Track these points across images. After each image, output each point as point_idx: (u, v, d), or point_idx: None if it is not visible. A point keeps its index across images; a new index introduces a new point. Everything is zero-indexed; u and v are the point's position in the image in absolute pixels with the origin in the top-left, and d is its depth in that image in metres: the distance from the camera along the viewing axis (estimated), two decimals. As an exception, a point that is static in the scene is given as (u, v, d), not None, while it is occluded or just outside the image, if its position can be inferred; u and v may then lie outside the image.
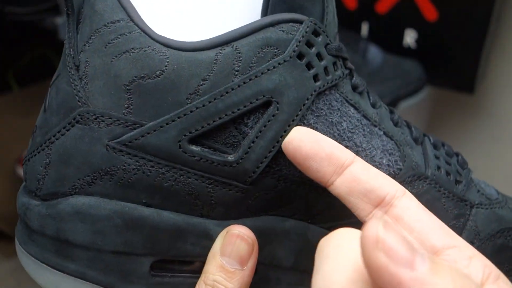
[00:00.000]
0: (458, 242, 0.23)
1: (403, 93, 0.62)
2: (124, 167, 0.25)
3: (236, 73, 0.25)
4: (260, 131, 0.26)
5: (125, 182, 0.26)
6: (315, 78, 0.26)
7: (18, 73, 0.72)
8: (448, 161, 0.30)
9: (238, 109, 0.25)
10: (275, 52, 0.25)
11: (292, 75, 0.26)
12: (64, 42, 0.27)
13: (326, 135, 0.26)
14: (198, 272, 0.27)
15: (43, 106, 0.27)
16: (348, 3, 0.67)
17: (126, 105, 0.25)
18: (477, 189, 0.30)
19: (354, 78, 0.28)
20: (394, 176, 0.28)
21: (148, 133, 0.25)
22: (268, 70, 0.25)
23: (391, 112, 0.30)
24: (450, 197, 0.29)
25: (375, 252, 0.17)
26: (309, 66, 0.26)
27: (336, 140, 0.27)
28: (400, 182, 0.27)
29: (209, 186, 0.26)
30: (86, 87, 0.25)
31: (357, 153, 0.27)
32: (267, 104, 0.26)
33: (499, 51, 0.64)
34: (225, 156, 0.26)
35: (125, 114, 0.25)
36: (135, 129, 0.25)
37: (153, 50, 0.25)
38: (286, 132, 0.26)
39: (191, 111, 0.25)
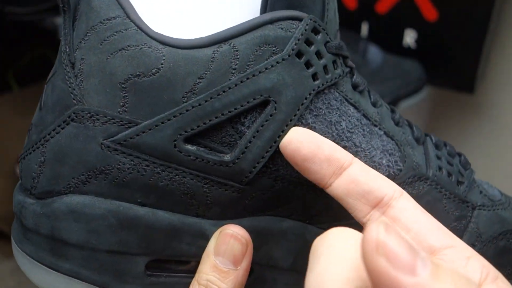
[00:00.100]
0: (456, 242, 0.23)
1: (403, 93, 0.62)
2: (119, 166, 0.25)
3: (233, 71, 0.25)
4: (257, 131, 0.25)
5: (120, 181, 0.25)
6: (314, 77, 0.26)
7: (18, 73, 0.72)
8: (450, 162, 0.30)
9: (235, 108, 0.25)
10: (274, 50, 0.25)
11: (290, 74, 0.25)
12: (60, 39, 0.26)
13: (325, 135, 0.26)
14: (193, 272, 0.27)
15: (39, 104, 0.27)
16: (348, 3, 0.67)
17: (121, 103, 0.25)
18: (479, 190, 0.30)
19: (354, 77, 0.28)
20: (394, 176, 0.27)
21: (143, 132, 0.25)
22: (266, 68, 0.25)
23: (392, 111, 0.30)
24: (452, 198, 0.28)
25: (375, 256, 0.17)
26: (308, 64, 0.26)
27: (334, 140, 0.26)
28: (400, 183, 0.27)
29: (205, 186, 0.26)
30: (81, 85, 0.25)
31: (356, 153, 0.27)
32: (264, 104, 0.25)
33: (499, 51, 0.64)
34: (221, 155, 0.26)
35: (120, 112, 0.25)
36: (130, 127, 0.25)
37: (149, 47, 0.24)
38: (284, 132, 0.25)
39: (187, 110, 0.25)
